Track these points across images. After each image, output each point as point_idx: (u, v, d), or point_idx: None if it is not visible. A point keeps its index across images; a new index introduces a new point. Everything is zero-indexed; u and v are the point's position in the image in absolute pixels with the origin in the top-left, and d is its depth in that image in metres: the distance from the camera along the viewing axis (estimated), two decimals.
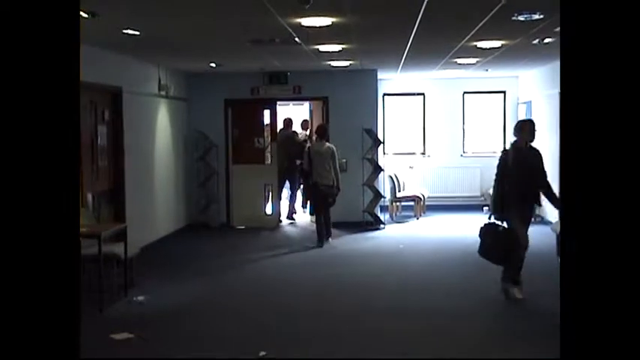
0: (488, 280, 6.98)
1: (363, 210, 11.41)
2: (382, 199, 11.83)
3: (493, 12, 5.78)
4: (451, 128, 13.53)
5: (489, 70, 11.57)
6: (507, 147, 6.99)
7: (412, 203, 12.49)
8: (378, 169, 11.51)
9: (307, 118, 13.32)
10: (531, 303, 6.46)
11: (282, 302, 6.78)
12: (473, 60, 9.85)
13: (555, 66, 10.48)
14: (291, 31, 6.71)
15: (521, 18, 6.09)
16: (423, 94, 13.56)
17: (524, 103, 12.82)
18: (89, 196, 7.84)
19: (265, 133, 11.83)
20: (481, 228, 6.71)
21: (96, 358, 4.94)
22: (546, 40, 7.49)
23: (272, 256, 9.23)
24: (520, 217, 6.52)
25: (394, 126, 13.71)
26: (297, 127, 12.73)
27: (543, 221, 10.59)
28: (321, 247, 9.70)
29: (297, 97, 12.00)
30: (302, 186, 11.95)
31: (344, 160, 11.20)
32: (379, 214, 11.62)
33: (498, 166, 6.68)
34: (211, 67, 10.20)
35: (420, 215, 12.42)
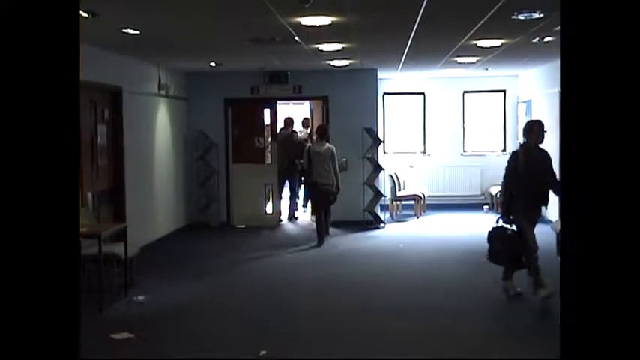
0: (489, 279, 6.98)
1: (363, 209, 11.41)
2: (382, 199, 11.83)
3: (493, 11, 5.78)
4: (451, 127, 13.51)
5: (489, 69, 11.56)
6: (517, 149, 6.86)
7: (412, 202, 12.48)
8: (378, 169, 11.51)
9: (308, 116, 13.33)
10: (531, 303, 6.45)
11: (282, 302, 6.77)
12: (473, 59, 9.85)
13: (555, 65, 10.47)
14: (291, 30, 6.71)
15: (521, 17, 6.09)
16: (423, 93, 13.56)
17: (524, 102, 12.81)
18: (89, 196, 7.85)
19: (265, 133, 11.83)
20: (489, 232, 6.64)
21: (96, 357, 4.94)
22: (546, 39, 7.49)
23: (272, 255, 9.22)
24: (528, 219, 6.44)
25: (394, 125, 13.70)
26: (297, 125, 12.74)
27: (543, 220, 10.56)
28: (321, 246, 9.70)
29: (297, 96, 11.99)
30: (302, 185, 11.95)
31: (344, 160, 11.20)
32: (379, 214, 11.61)
33: (507, 168, 6.58)
34: (211, 66, 10.19)
35: (421, 214, 12.42)
